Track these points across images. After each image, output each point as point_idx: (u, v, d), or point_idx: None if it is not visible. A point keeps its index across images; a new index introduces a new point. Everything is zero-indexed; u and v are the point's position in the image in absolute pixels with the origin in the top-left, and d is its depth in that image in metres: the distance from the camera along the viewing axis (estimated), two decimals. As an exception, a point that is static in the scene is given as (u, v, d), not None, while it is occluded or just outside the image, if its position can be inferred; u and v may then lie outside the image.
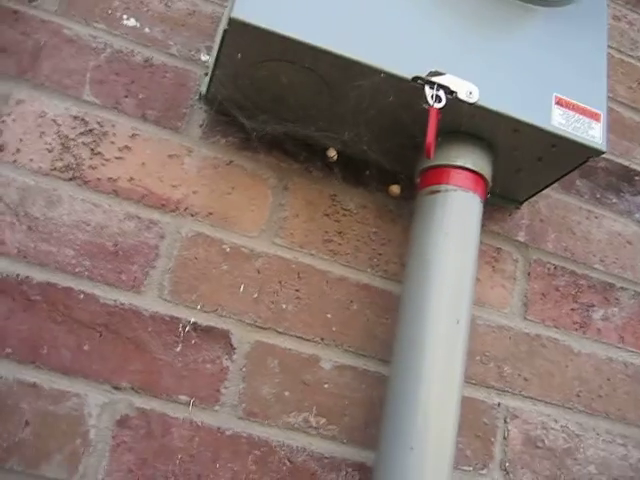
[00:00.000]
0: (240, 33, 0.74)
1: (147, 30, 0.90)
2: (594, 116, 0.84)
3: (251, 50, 0.76)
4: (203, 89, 0.89)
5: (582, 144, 0.81)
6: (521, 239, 0.97)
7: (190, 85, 0.89)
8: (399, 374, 0.78)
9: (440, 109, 0.76)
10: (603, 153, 0.82)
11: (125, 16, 0.90)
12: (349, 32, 0.75)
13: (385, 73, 0.75)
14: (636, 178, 1.08)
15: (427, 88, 0.77)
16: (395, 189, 0.89)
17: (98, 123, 0.84)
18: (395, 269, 0.90)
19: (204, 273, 0.82)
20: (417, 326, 0.78)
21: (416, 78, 0.76)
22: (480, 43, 0.82)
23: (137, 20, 0.90)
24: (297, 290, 0.85)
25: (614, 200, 1.05)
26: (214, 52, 0.91)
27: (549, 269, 0.97)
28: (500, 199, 0.96)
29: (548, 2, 0.87)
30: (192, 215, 0.84)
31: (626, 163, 1.08)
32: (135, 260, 0.80)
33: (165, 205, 0.83)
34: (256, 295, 0.83)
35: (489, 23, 0.84)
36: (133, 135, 0.85)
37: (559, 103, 0.82)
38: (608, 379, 0.95)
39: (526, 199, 0.96)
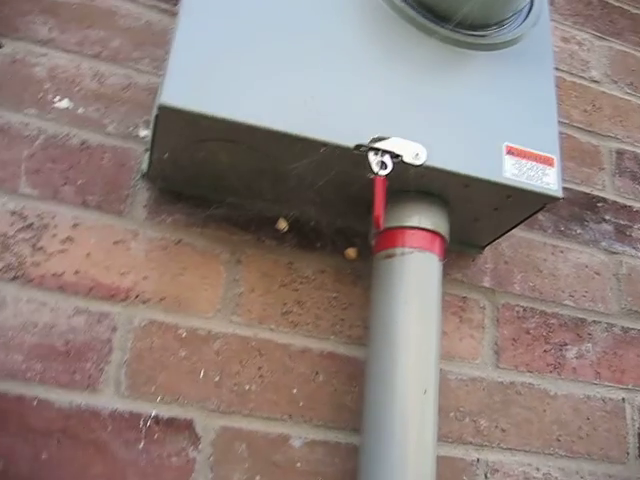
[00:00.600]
0: (172, 117, 0.72)
1: (81, 110, 0.88)
2: (547, 161, 0.82)
3: (186, 132, 0.74)
4: (144, 167, 0.87)
5: (537, 192, 0.80)
6: (487, 284, 0.96)
7: (131, 164, 0.87)
8: (370, 445, 0.77)
9: (387, 176, 0.74)
10: (559, 199, 0.81)
11: (57, 98, 0.87)
12: (284, 106, 0.73)
13: (325, 145, 0.73)
14: (599, 205, 1.07)
15: (371, 155, 0.75)
16: (352, 253, 0.87)
17: (37, 216, 0.82)
18: (359, 332, 0.88)
19: (162, 362, 0.80)
20: (385, 398, 0.76)
21: (358, 146, 0.75)
22: (423, 97, 0.81)
23: (70, 101, 0.88)
24: (259, 368, 0.83)
25: (579, 231, 1.04)
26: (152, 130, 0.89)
27: (518, 312, 0.96)
28: (461, 245, 0.94)
29: (491, 46, 0.86)
30: (144, 302, 0.82)
31: (588, 190, 1.07)
32: (88, 357, 0.78)
33: (115, 295, 0.81)
34: (217, 379, 0.81)
35: (431, 75, 0.82)
36: (75, 225, 0.83)
37: (510, 152, 0.81)
38: (587, 418, 0.94)
39: (488, 244, 0.95)
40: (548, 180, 0.81)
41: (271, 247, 0.88)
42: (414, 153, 0.76)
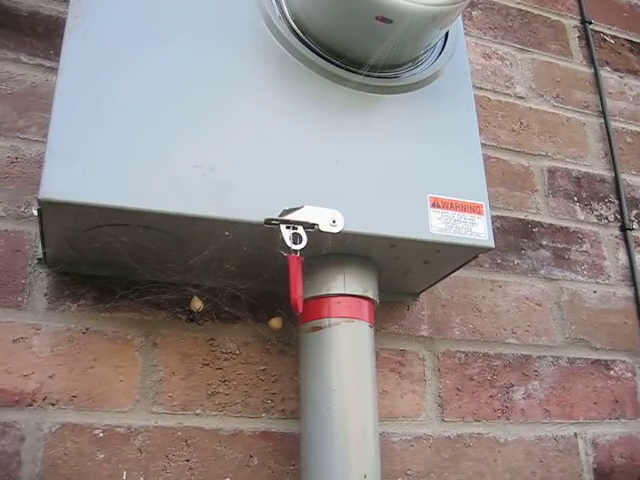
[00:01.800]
0: (56, 210, 0.65)
1: (-36, 193, 0.80)
2: (476, 209, 0.78)
3: (76, 222, 0.68)
4: (41, 251, 0.80)
5: (467, 245, 0.76)
6: (424, 333, 0.92)
7: (25, 249, 0.80)
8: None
9: (303, 249, 0.69)
10: (491, 249, 0.77)
11: None
12: (180, 183, 0.67)
13: (231, 225, 0.68)
14: (534, 230, 1.04)
15: (283, 229, 0.70)
16: (276, 323, 0.82)
17: None
18: (293, 405, 0.83)
19: (79, 470, 0.74)
20: (323, 482, 0.72)
21: (269, 220, 0.69)
22: (337, 155, 0.76)
23: (-50, 184, 0.80)
24: (187, 460, 0.78)
25: (516, 261, 1.01)
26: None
27: (460, 359, 0.92)
28: (395, 295, 0.90)
29: (406, 88, 0.81)
30: (53, 404, 0.75)
31: (522, 216, 1.04)
32: (-6, 476, 0.71)
33: (19, 401, 0.75)
34: (142, 479, 0.75)
35: (345, 128, 0.78)
36: (-33, 326, 0.75)
37: (435, 205, 0.77)
38: (540, 461, 0.91)
39: (422, 290, 0.91)
40: (478, 230, 0.77)
41: (188, 324, 0.83)
42: (330, 220, 0.71)
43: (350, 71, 0.78)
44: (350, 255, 0.78)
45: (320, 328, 0.76)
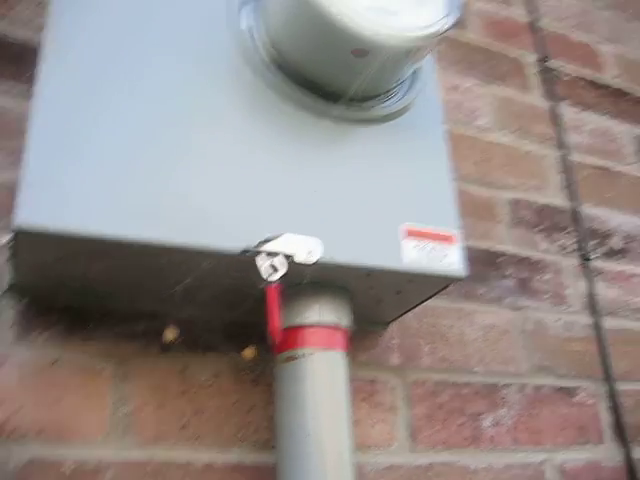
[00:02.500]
0: (30, 238, 0.64)
1: None
2: (448, 239, 0.80)
3: (50, 249, 0.67)
4: (9, 279, 0.78)
5: (440, 275, 0.77)
6: (395, 362, 0.92)
7: (-8, 278, 0.78)
8: None
9: (281, 280, 0.69)
10: (462, 279, 0.79)
11: None
12: (154, 212, 0.67)
13: (211, 254, 0.67)
14: (499, 260, 1.06)
15: (259, 260, 0.70)
16: (249, 353, 0.81)
17: None
18: (266, 435, 0.83)
19: (45, 507, 0.71)
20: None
21: (245, 251, 0.69)
22: (313, 184, 0.76)
23: None
24: (159, 495, 0.76)
25: (482, 290, 1.03)
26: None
27: (429, 387, 0.93)
28: (365, 324, 0.91)
29: (378, 119, 0.82)
30: (20, 438, 0.73)
31: (487, 246, 1.06)
32: (-44, 515, 0.68)
33: (-16, 435, 0.72)
34: (112, 515, 0.73)
35: (319, 158, 0.78)
36: None
37: (409, 234, 0.78)
38: (509, 489, 0.92)
39: (393, 320, 0.92)
40: (450, 260, 0.79)
41: (160, 355, 0.81)
42: (307, 251, 0.72)
43: (325, 102, 0.79)
44: (324, 284, 0.78)
45: (295, 358, 0.76)
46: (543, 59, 1.26)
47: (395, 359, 0.93)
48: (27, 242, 0.65)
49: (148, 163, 0.69)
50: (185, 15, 0.79)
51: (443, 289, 0.81)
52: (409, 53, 0.76)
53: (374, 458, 0.86)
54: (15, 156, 0.84)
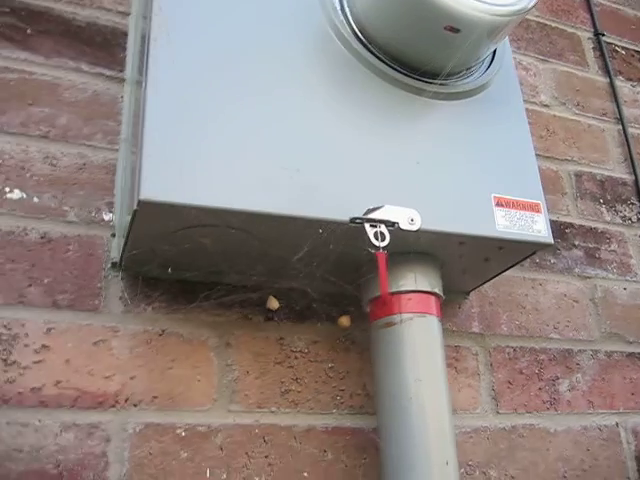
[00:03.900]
0: (152, 211, 0.67)
1: (36, 200, 0.81)
2: (534, 208, 0.83)
3: (167, 223, 0.70)
4: (114, 254, 0.81)
5: (529, 242, 0.80)
6: (476, 330, 0.95)
7: (99, 253, 0.81)
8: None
9: (386, 248, 0.72)
10: (551, 245, 0.81)
11: (7, 189, 0.80)
12: (271, 185, 0.70)
13: (322, 226, 0.70)
14: (567, 231, 1.08)
15: (368, 227, 0.72)
16: (345, 321, 0.85)
17: (4, 326, 0.75)
18: (361, 401, 0.86)
19: (164, 468, 0.75)
20: (405, 473, 0.74)
21: (354, 219, 0.72)
22: (407, 158, 0.79)
23: (22, 190, 0.81)
24: (266, 457, 0.79)
25: (552, 260, 1.05)
26: (117, 209, 0.84)
27: (509, 353, 0.96)
28: (448, 294, 0.93)
29: (463, 94, 0.85)
30: (135, 405, 0.76)
31: (555, 218, 1.08)
32: (84, 476, 0.72)
33: (103, 402, 0.75)
34: (225, 476, 0.77)
35: (411, 132, 0.81)
36: (48, 330, 0.76)
37: (499, 204, 0.81)
38: (588, 450, 0.95)
39: (473, 289, 0.94)
40: (538, 227, 0.81)
41: (259, 324, 0.84)
42: (409, 219, 0.75)
43: (417, 80, 0.82)
44: (418, 253, 0.81)
45: (394, 324, 0.79)
46: (598, 35, 1.28)
47: (476, 327, 0.96)
48: (147, 215, 0.67)
49: (258, 139, 0.71)
50: (283, 9, 0.81)
51: (529, 256, 0.84)
52: (497, 29, 0.79)
53: (461, 421, 0.89)
54: (112, 137, 0.87)
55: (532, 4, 0.78)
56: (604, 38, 1.29)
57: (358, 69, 0.81)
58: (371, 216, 0.73)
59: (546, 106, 1.17)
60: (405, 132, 0.80)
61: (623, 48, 1.33)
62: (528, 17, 1.24)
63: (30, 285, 0.77)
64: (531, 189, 0.83)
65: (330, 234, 0.72)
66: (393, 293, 0.79)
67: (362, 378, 0.86)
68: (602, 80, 1.26)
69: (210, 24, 0.76)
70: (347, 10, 0.83)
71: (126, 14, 0.95)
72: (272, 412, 0.81)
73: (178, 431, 0.77)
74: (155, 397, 0.77)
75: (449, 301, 0.94)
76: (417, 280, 0.80)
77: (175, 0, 0.76)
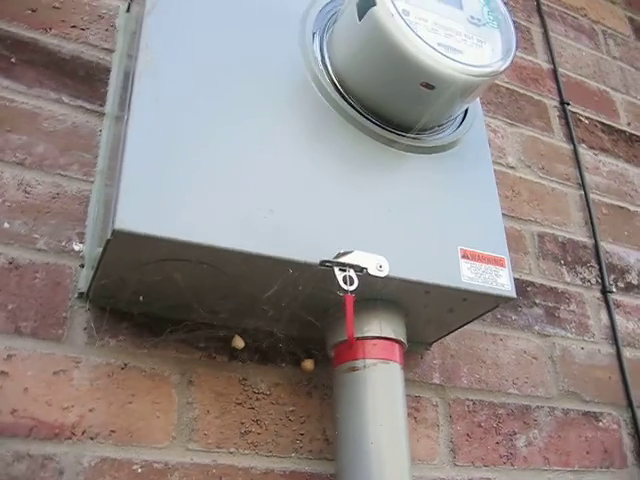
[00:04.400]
0: (126, 241, 0.67)
1: (7, 225, 0.80)
2: (499, 262, 0.85)
3: (140, 254, 0.70)
4: (82, 285, 0.81)
5: (493, 295, 0.82)
6: (437, 381, 0.96)
7: (66, 283, 0.81)
8: None
9: (354, 292, 0.73)
10: (513, 299, 0.83)
11: (-22, 213, 0.80)
12: (246, 223, 0.71)
13: (293, 264, 0.71)
14: (528, 289, 1.11)
15: (337, 271, 0.74)
16: (309, 365, 0.85)
17: (-36, 350, 0.73)
18: (320, 446, 0.85)
19: (116, 505, 0.73)
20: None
21: (324, 262, 0.73)
22: (377, 205, 0.81)
23: (-7, 215, 0.80)
24: (222, 498, 0.78)
25: (513, 317, 1.07)
26: (87, 240, 0.84)
27: (468, 406, 0.97)
28: (411, 343, 0.94)
29: (434, 149, 0.87)
30: (92, 438, 0.75)
31: (516, 276, 1.11)
32: (33, 510, 0.70)
33: (59, 433, 0.74)
34: (179, 516, 0.75)
35: (382, 181, 0.83)
36: (8, 357, 0.75)
37: (465, 256, 0.83)
38: (541, 508, 0.96)
39: (436, 340, 0.96)
40: (502, 281, 0.83)
41: (222, 364, 0.84)
42: (377, 265, 0.76)
43: (390, 132, 0.84)
44: (383, 301, 0.82)
45: (357, 369, 0.79)
46: (564, 104, 1.34)
47: (437, 378, 0.96)
48: (120, 245, 0.68)
49: (234, 179, 0.73)
50: (263, 38, 0.84)
51: (492, 309, 0.85)
52: (470, 89, 0.82)
53: (419, 471, 0.89)
54: (87, 169, 0.87)
55: (504, 67, 0.82)
56: (569, 107, 1.34)
57: (335, 118, 0.83)
58: (341, 260, 0.74)
59: (512, 168, 1.21)
60: (377, 181, 0.82)
61: (587, 118, 1.39)
62: (498, 82, 1.29)
63: (-7, 310, 0.76)
64: (496, 244, 0.86)
65: (300, 275, 0.73)
66: (358, 338, 0.80)
67: (322, 423, 0.86)
68: (566, 147, 1.31)
69: (194, 63, 0.78)
70: (327, 61, 0.86)
71: (110, 51, 0.97)
72: (231, 453, 0.81)
73: (134, 467, 0.76)
74: (113, 431, 0.76)
75: (411, 351, 0.95)
76: (382, 327, 0.81)
77: (162, 39, 0.77)
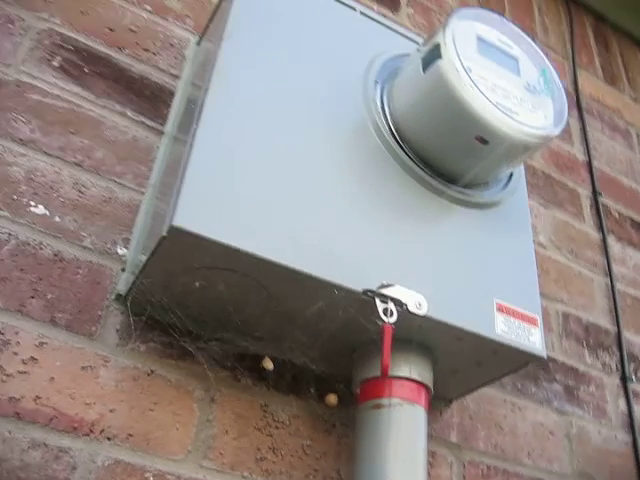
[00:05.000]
0: (180, 240, 0.68)
1: (57, 219, 0.82)
2: (532, 321, 0.85)
3: (190, 257, 0.71)
4: (121, 288, 0.81)
5: (524, 351, 0.82)
6: (453, 440, 0.94)
7: (105, 283, 0.81)
8: None
9: (393, 324, 0.73)
10: (543, 359, 0.83)
11: (32, 203, 0.81)
12: (299, 244, 0.72)
13: (338, 288, 0.72)
14: (550, 365, 1.10)
15: (378, 302, 0.74)
16: (332, 399, 0.84)
17: (-2, 331, 0.73)
18: (332, 485, 0.83)
19: (124, 510, 0.71)
20: None
21: (367, 291, 0.73)
22: (422, 248, 0.82)
23: (46, 207, 0.82)
24: (230, 521, 0.75)
25: (533, 389, 1.06)
26: (132, 246, 0.84)
27: (482, 470, 0.95)
28: (433, 398, 0.93)
29: (479, 205, 0.89)
30: (109, 439, 0.73)
31: (540, 350, 1.10)
32: (40, 501, 0.68)
33: (77, 428, 0.72)
34: (184, 532, 0.73)
35: (429, 228, 0.85)
36: (40, 344, 0.74)
37: (500, 310, 0.83)
38: None
39: (457, 397, 0.95)
40: (534, 340, 0.83)
41: (246, 387, 0.83)
42: (417, 303, 0.76)
43: (441, 182, 0.86)
44: (415, 344, 0.82)
45: (382, 406, 0.78)
46: (596, 194, 1.37)
47: (454, 436, 0.95)
48: (174, 244, 0.68)
49: (290, 204, 0.74)
50: (328, 80, 0.87)
51: (520, 368, 0.85)
52: (522, 148, 0.84)
53: (427, 529, 0.86)
54: (141, 180, 0.89)
55: (556, 133, 0.85)
56: (601, 198, 1.38)
57: (389, 162, 0.85)
58: (383, 291, 0.74)
59: (543, 246, 1.23)
60: (423, 226, 0.84)
61: (617, 211, 1.42)
62: (535, 165, 1.33)
63: (33, 297, 0.76)
64: (531, 304, 0.86)
65: (341, 300, 0.73)
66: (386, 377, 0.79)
67: (338, 463, 0.84)
68: (595, 235, 1.33)
69: (260, 98, 0.80)
70: (387, 109, 0.89)
71: (176, 77, 1.00)
72: (244, 477, 0.78)
73: (147, 474, 0.74)
74: (130, 435, 0.75)
75: (432, 406, 0.94)
76: (412, 369, 0.80)
77: (235, 65, 0.81)
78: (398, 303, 0.75)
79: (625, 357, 1.18)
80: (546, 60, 0.91)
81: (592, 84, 1.64)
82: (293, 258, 0.71)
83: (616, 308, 1.23)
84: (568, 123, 1.47)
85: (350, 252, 0.75)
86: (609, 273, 1.27)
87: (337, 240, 0.75)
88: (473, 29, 0.88)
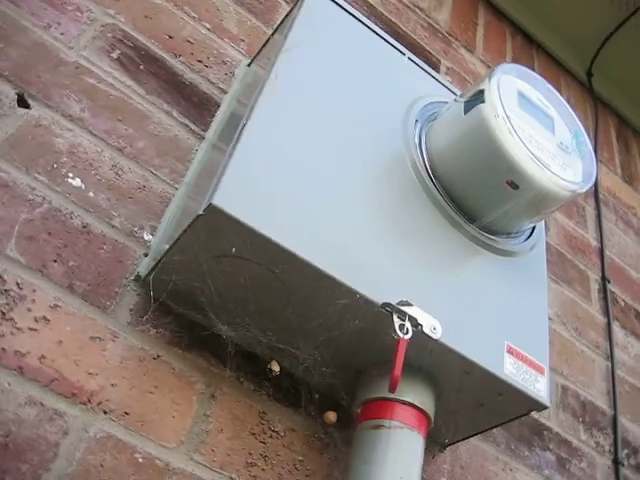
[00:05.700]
0: (214, 222, 0.69)
1: (91, 194, 0.82)
2: (539, 369, 0.84)
3: (221, 241, 0.71)
4: (141, 270, 0.81)
5: (529, 396, 0.81)
6: (443, 486, 0.92)
7: (127, 263, 0.81)
8: None
9: (408, 341, 0.73)
10: (547, 408, 0.82)
11: (71, 174, 0.82)
12: (330, 247, 0.73)
13: (358, 295, 0.72)
14: (544, 433, 1.08)
15: (395, 317, 0.74)
16: (332, 416, 0.83)
17: (17, 284, 0.73)
18: (318, 505, 0.80)
19: (108, 485, 0.68)
20: None
21: (386, 304, 0.74)
22: (439, 277, 0.83)
23: (83, 181, 0.83)
24: (211, 519, 0.73)
25: (526, 453, 1.04)
26: (158, 234, 0.85)
27: (468, 523, 0.92)
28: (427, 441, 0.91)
29: (501, 251, 0.90)
30: (105, 412, 0.72)
31: (536, 416, 1.09)
32: (27, 458, 0.66)
33: (76, 395, 0.71)
34: (164, 521, 0.70)
35: (447, 257, 0.86)
36: (55, 306, 0.74)
37: (510, 352, 0.83)
38: None
39: (452, 443, 0.93)
40: (539, 387, 0.83)
41: (248, 391, 0.82)
42: (432, 326, 0.76)
43: (458, 215, 0.88)
44: (423, 373, 0.81)
45: (382, 427, 0.77)
46: (605, 280, 1.39)
47: (443, 483, 0.92)
48: (209, 224, 0.69)
49: (323, 213, 0.76)
50: (372, 113, 0.90)
51: (521, 416, 0.84)
52: (549, 198, 0.86)
53: None
54: (175, 176, 0.91)
55: (584, 189, 0.87)
56: (609, 285, 1.39)
57: (421, 196, 0.87)
58: (401, 308, 0.74)
59: (549, 319, 1.23)
60: (446, 259, 0.85)
61: (623, 300, 1.43)
62: (549, 241, 1.35)
63: (55, 261, 0.76)
64: (539, 353, 0.86)
65: (360, 308, 0.73)
66: (391, 399, 0.78)
67: (326, 483, 0.82)
68: (601, 318, 1.34)
69: (310, 105, 0.83)
70: (424, 146, 0.91)
71: (224, 91, 1.04)
72: (231, 478, 0.76)
73: (136, 455, 0.72)
74: (127, 413, 0.73)
75: (425, 449, 0.92)
76: (416, 396, 0.79)
77: (289, 77, 0.84)
78: (414, 322, 0.75)
79: (619, 441, 1.17)
80: (579, 124, 0.95)
81: (610, 179, 1.69)
82: (320, 259, 0.72)
83: (614, 392, 1.23)
84: (584, 209, 1.51)
85: (373, 266, 0.76)
86: (611, 357, 1.27)
87: (363, 253, 0.76)
88: (515, 84, 0.92)
